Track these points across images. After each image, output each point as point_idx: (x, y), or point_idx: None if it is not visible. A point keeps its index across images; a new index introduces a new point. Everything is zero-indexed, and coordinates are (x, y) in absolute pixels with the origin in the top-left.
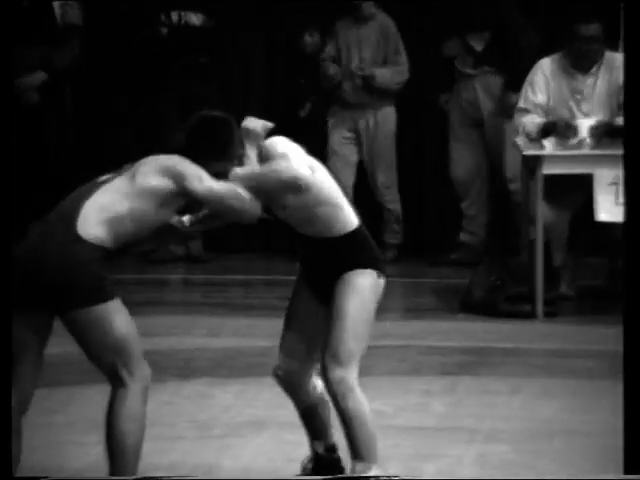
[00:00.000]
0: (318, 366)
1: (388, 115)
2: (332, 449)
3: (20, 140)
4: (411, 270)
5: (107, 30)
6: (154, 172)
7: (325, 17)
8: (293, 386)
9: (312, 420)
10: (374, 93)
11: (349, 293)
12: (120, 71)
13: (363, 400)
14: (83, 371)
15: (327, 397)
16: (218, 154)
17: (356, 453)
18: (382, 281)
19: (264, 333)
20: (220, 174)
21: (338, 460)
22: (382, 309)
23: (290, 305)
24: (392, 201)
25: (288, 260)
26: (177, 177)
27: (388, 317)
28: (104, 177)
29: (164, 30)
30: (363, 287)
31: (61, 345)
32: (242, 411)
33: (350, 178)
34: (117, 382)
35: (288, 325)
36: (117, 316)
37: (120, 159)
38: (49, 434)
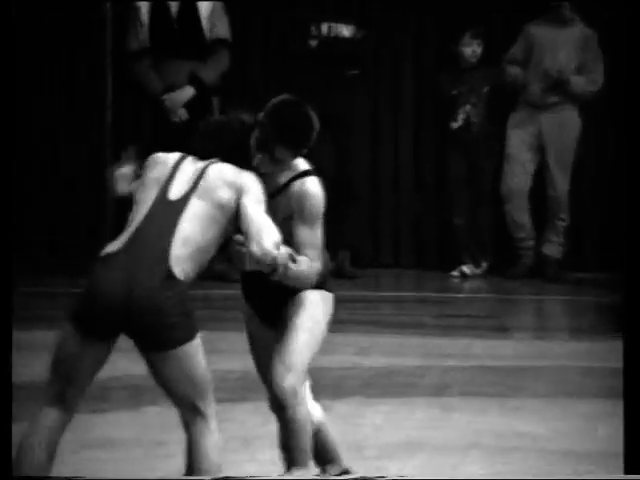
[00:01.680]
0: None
1: (572, 119)
2: (346, 472)
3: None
4: (571, 288)
5: (255, 44)
6: (225, 187)
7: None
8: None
9: (316, 445)
10: (563, 97)
11: (301, 308)
12: (269, 85)
13: (309, 411)
14: (235, 389)
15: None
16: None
17: (294, 461)
18: (331, 295)
19: (415, 352)
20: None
21: None
22: (541, 328)
23: (249, 338)
24: (565, 210)
25: (439, 277)
26: (242, 191)
27: (547, 336)
28: (174, 190)
29: (314, 42)
30: (315, 301)
31: (213, 363)
32: (394, 432)
33: (527, 184)
34: (195, 417)
35: (254, 356)
36: (200, 353)
37: None
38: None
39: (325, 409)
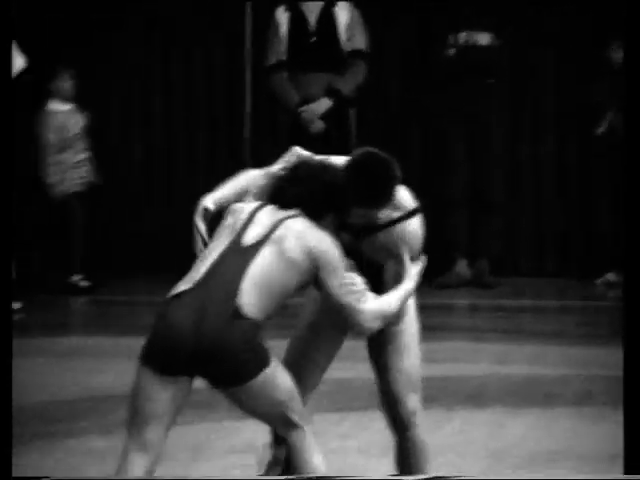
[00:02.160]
0: None
1: None
2: None
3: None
4: None
5: (392, 54)
6: (299, 252)
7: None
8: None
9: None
10: None
11: (406, 320)
12: (407, 94)
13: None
14: (374, 395)
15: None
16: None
17: None
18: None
19: (557, 361)
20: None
21: None
22: None
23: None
24: None
25: (582, 285)
26: (320, 265)
27: None
28: (248, 236)
29: (452, 51)
30: (410, 309)
31: (352, 370)
32: (537, 442)
33: None
34: (291, 429)
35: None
36: (278, 373)
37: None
38: (345, 459)
39: (465, 417)
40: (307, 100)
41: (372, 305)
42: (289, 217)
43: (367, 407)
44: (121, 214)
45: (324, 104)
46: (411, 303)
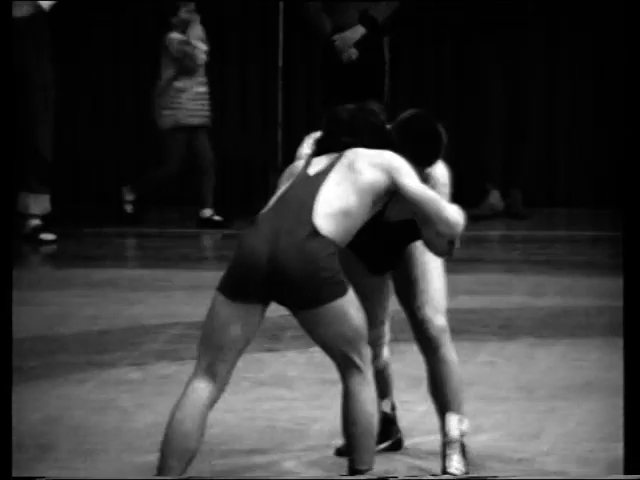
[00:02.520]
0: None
1: None
2: (394, 408)
3: (343, 95)
4: None
5: None
6: (370, 167)
7: None
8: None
9: (381, 381)
10: None
11: (426, 252)
12: (442, 21)
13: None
14: (403, 329)
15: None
16: (423, 161)
17: (448, 405)
18: None
19: (589, 292)
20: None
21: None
22: None
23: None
24: None
25: (616, 214)
26: (392, 172)
27: None
28: (313, 168)
29: None
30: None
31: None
32: (568, 373)
33: None
34: (351, 369)
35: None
36: (352, 307)
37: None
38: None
39: (497, 349)
40: (341, 28)
41: (453, 206)
42: (347, 150)
43: (395, 340)
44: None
45: (358, 32)
46: None
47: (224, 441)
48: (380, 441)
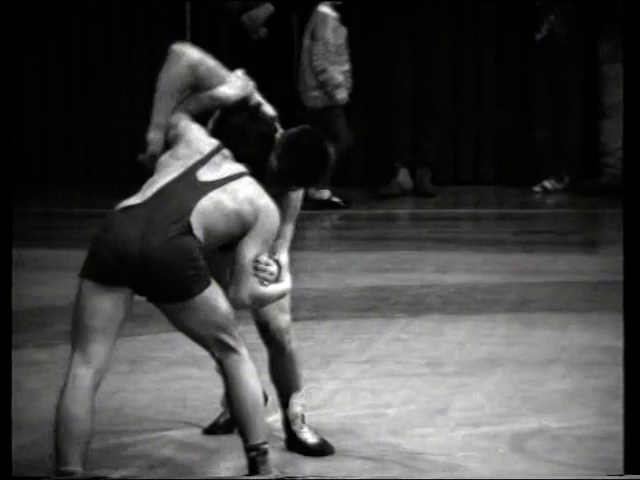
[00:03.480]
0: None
1: None
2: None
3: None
4: None
5: None
6: (250, 206)
7: None
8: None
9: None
10: None
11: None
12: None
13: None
14: (315, 307)
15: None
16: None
17: (295, 387)
18: None
19: (496, 269)
20: None
21: None
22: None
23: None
24: None
25: (521, 193)
26: (256, 225)
27: None
28: (205, 173)
29: None
30: None
31: (294, 282)
32: (475, 348)
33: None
34: (226, 351)
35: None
36: (218, 295)
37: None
38: None
39: (405, 325)
40: (249, 7)
41: (260, 289)
42: (243, 174)
43: (307, 318)
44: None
45: (266, 10)
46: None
47: (135, 421)
48: None
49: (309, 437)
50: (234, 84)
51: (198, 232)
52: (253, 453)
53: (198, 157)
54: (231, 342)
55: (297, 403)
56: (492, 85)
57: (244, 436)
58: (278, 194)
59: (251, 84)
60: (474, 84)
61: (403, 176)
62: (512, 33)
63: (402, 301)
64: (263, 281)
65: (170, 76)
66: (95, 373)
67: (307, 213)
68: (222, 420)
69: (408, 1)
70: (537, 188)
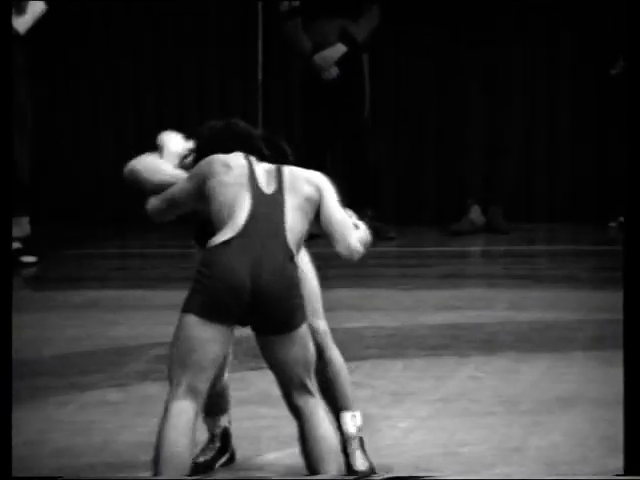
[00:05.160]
0: None
1: None
2: (230, 422)
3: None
4: None
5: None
6: (310, 187)
7: None
8: None
9: (220, 400)
10: None
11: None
12: (418, 36)
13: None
14: (387, 345)
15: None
16: None
17: (342, 404)
18: None
19: (570, 306)
20: None
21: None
22: None
23: None
24: None
25: (596, 229)
26: (322, 191)
27: None
28: (264, 186)
29: None
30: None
31: (365, 319)
32: (550, 387)
33: None
34: (305, 395)
35: None
36: (308, 333)
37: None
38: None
39: (479, 364)
40: (321, 47)
41: (364, 234)
42: (279, 167)
43: (380, 356)
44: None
45: (338, 50)
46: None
47: None
48: (220, 455)
49: (359, 463)
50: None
51: (296, 252)
52: None
53: (244, 171)
54: (310, 386)
55: (350, 424)
56: (566, 120)
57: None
58: None
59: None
60: (548, 119)
61: (475, 213)
62: (587, 66)
63: (475, 339)
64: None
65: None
66: (198, 407)
67: (378, 250)
68: (202, 459)
69: (482, 37)
70: (613, 224)
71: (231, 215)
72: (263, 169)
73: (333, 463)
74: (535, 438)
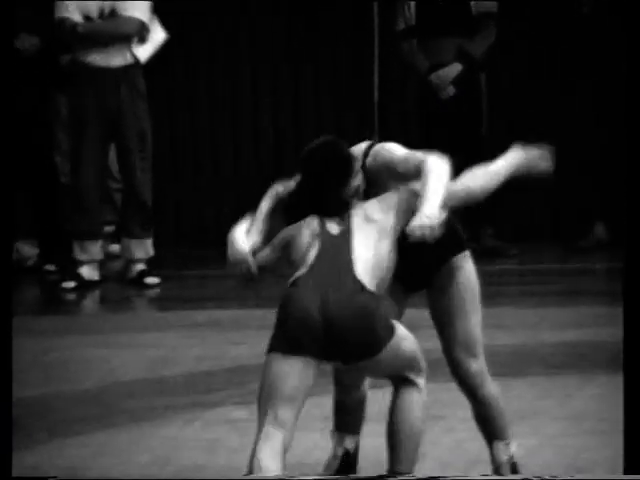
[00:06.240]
0: None
1: None
2: (358, 447)
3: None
4: None
5: (521, 15)
6: (380, 208)
7: None
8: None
9: (354, 412)
10: None
11: (461, 282)
12: (536, 55)
13: (494, 383)
14: (509, 363)
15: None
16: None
17: (497, 434)
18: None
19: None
20: None
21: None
22: None
23: None
24: None
25: None
26: (398, 211)
27: None
28: (331, 229)
29: (586, 9)
30: (469, 272)
31: (487, 338)
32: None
33: None
34: (405, 383)
35: None
36: (401, 339)
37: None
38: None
39: (606, 382)
40: (437, 65)
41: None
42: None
43: (502, 374)
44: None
45: (455, 69)
46: (470, 268)
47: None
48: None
49: None
50: None
51: (370, 281)
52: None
53: (315, 226)
54: (413, 377)
55: (502, 451)
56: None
57: (391, 460)
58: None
59: None
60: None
61: (599, 229)
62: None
63: (600, 357)
64: None
65: None
66: (286, 436)
67: (497, 269)
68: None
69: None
70: None
71: (303, 258)
72: (331, 219)
73: (406, 455)
74: None
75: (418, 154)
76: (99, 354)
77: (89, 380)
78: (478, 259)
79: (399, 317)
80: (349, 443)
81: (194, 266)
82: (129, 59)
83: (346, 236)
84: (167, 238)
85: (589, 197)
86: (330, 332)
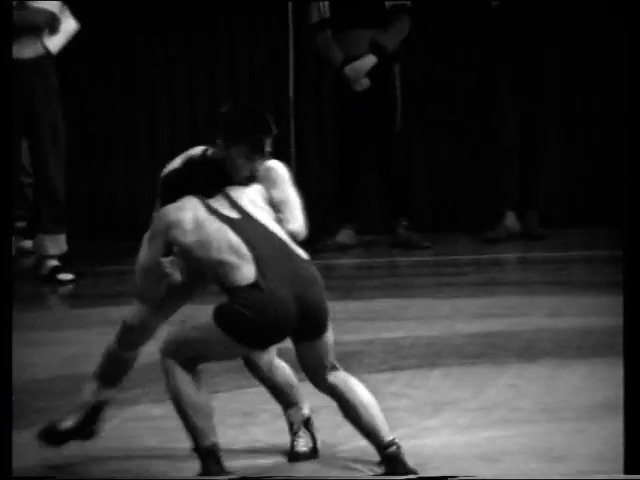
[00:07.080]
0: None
1: None
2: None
3: (355, 124)
4: None
5: (435, 8)
6: (259, 193)
7: None
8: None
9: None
10: None
11: None
12: (456, 48)
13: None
14: (424, 355)
15: (283, 364)
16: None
17: (291, 402)
18: None
19: (609, 311)
20: None
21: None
22: None
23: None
24: None
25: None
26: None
27: None
28: (231, 213)
29: (495, 3)
30: None
31: (401, 329)
32: (592, 393)
33: None
34: (336, 372)
35: None
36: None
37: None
38: (395, 418)
39: (519, 371)
40: (351, 58)
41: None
42: (225, 192)
43: (418, 366)
44: None
45: (369, 61)
46: None
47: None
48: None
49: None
50: None
51: (300, 251)
52: (393, 448)
53: (204, 210)
54: (337, 365)
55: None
56: (603, 121)
57: (377, 437)
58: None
59: None
60: (583, 121)
61: (511, 220)
62: (618, 68)
63: (514, 347)
64: None
65: None
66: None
67: (412, 260)
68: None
69: (513, 39)
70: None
71: (221, 251)
72: (214, 201)
73: (384, 423)
74: (579, 446)
75: (298, 205)
76: (13, 352)
77: None
78: (393, 250)
79: None
80: (104, 395)
81: (109, 262)
82: (40, 50)
83: (253, 218)
84: (81, 234)
85: (500, 187)
86: (307, 315)
